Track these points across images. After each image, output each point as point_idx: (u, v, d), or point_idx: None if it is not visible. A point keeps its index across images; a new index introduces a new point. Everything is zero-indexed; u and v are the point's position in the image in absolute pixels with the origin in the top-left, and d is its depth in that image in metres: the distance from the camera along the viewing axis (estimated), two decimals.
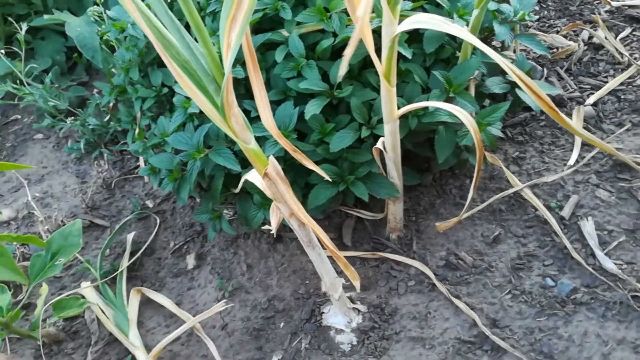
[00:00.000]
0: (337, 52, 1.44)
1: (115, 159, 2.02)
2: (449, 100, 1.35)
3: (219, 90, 0.93)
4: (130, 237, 1.70)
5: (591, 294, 1.29)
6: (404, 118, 1.35)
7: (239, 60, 1.43)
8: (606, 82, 1.75)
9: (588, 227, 1.40)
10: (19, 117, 2.39)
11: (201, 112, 1.45)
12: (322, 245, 1.23)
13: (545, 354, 1.22)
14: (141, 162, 1.95)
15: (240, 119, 0.98)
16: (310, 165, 1.13)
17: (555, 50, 1.89)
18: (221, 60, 0.92)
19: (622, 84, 1.73)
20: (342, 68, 0.79)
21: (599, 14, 2.00)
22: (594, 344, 1.21)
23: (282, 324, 1.41)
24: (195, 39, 0.92)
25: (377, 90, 1.39)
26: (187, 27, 0.93)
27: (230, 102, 0.95)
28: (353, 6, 1.06)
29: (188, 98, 1.44)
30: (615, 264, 1.32)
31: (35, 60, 2.39)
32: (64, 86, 2.33)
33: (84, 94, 2.29)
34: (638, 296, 1.26)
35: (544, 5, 2.11)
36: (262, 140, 1.35)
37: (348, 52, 0.76)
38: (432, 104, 1.22)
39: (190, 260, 1.63)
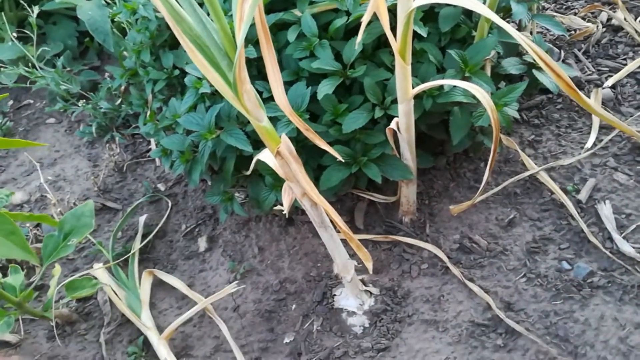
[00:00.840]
0: (350, 32, 1.41)
1: (127, 142, 2.02)
2: (464, 80, 1.32)
3: (232, 66, 0.91)
4: (142, 219, 1.70)
5: (608, 278, 1.27)
6: (418, 99, 1.33)
7: (251, 41, 1.41)
8: (625, 65, 1.71)
9: (605, 210, 1.37)
10: (31, 101, 2.40)
11: (213, 94, 1.44)
12: (335, 227, 1.22)
13: (561, 338, 1.20)
14: (152, 145, 1.94)
15: (252, 96, 0.97)
16: (323, 145, 1.12)
17: (572, 32, 1.86)
18: (234, 36, 0.91)
19: None
20: (359, 35, 0.77)
21: None
22: (610, 328, 1.19)
23: (293, 306, 1.41)
24: (208, 15, 0.91)
25: (390, 70, 1.36)
26: (200, 5, 0.92)
27: (243, 78, 0.94)
28: None
29: (199, 79, 1.43)
30: (634, 247, 1.29)
31: (47, 44, 2.39)
32: (75, 70, 2.33)
33: (96, 78, 2.29)
34: None
35: None
36: (274, 121, 1.34)
37: (365, 19, 0.74)
38: (448, 81, 1.19)
39: (202, 243, 1.62)
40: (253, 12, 0.85)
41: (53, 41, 2.43)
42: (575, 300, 1.25)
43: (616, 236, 1.32)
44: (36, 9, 2.06)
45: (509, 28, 1.01)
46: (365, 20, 0.84)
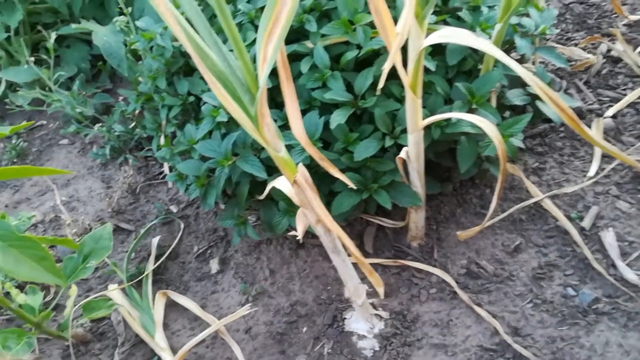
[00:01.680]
0: (361, 64, 1.47)
1: (139, 164, 2.07)
2: (471, 111, 1.38)
3: (254, 101, 0.97)
4: (155, 241, 1.74)
5: (613, 304, 1.30)
6: (426, 129, 1.38)
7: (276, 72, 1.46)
8: (625, 95, 1.77)
9: (609, 237, 1.42)
10: (45, 122, 2.46)
11: (228, 121, 1.49)
12: (347, 252, 1.26)
13: None
14: (165, 169, 1.99)
15: (272, 128, 1.02)
16: (336, 173, 1.16)
17: (574, 63, 1.92)
18: (255, 71, 0.96)
19: None
20: (381, 82, 0.83)
21: (617, 27, 2.02)
22: (615, 354, 1.23)
23: (304, 329, 1.44)
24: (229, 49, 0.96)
25: (400, 101, 1.42)
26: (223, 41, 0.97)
27: (264, 113, 0.99)
28: (381, 18, 1.09)
29: (216, 107, 1.48)
30: (637, 274, 1.33)
31: (61, 67, 2.45)
32: (89, 93, 2.39)
33: (109, 101, 2.35)
34: None
35: (562, 19, 2.13)
36: (288, 148, 1.39)
37: (386, 67, 0.80)
38: (455, 115, 1.25)
39: (214, 265, 1.66)
40: (276, 53, 0.91)
41: (67, 64, 2.50)
42: (581, 326, 1.28)
43: (619, 263, 1.36)
44: (53, 34, 2.13)
45: (513, 64, 1.06)
46: (386, 68, 0.90)
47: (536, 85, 1.07)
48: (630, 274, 1.33)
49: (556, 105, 1.09)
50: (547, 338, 1.28)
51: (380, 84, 0.86)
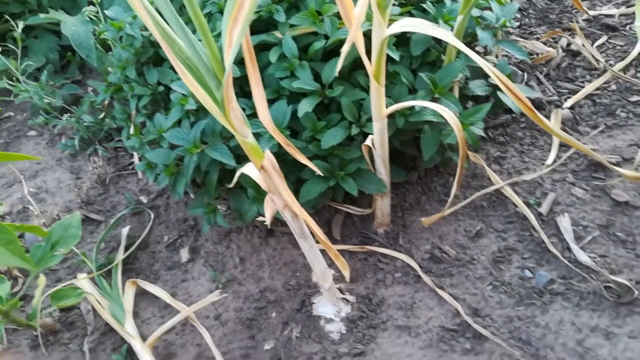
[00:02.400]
0: (328, 54, 1.50)
1: (109, 155, 2.06)
2: (434, 101, 1.42)
3: (220, 86, 0.99)
4: (125, 231, 1.74)
5: (567, 285, 1.37)
6: (391, 117, 1.42)
7: (235, 61, 1.48)
8: (583, 87, 1.84)
9: (564, 222, 1.48)
10: (12, 114, 2.42)
11: (197, 110, 1.50)
12: (314, 237, 1.29)
13: (524, 341, 1.29)
14: (135, 159, 1.99)
15: (239, 113, 1.04)
16: (303, 159, 1.19)
17: (535, 56, 1.98)
18: (222, 58, 0.98)
19: (597, 88, 1.83)
20: (339, 62, 0.86)
21: (577, 22, 2.10)
22: (569, 332, 1.29)
23: (273, 314, 1.47)
24: (198, 38, 0.98)
25: (366, 90, 1.45)
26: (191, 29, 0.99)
27: (230, 97, 1.01)
28: (346, 9, 1.12)
29: (185, 95, 1.49)
30: (590, 257, 1.40)
31: (29, 58, 2.42)
32: (57, 84, 2.37)
33: (78, 92, 2.33)
34: (610, 287, 1.34)
35: (525, 14, 2.20)
36: (256, 136, 1.41)
37: (345, 49, 0.83)
38: (418, 103, 1.29)
39: (184, 254, 1.67)
40: (241, 39, 0.93)
41: (35, 55, 2.47)
42: (537, 306, 1.34)
43: (574, 246, 1.42)
44: (21, 24, 2.10)
45: (473, 55, 1.11)
46: (345, 50, 0.93)
47: (495, 75, 1.12)
48: (583, 257, 1.40)
49: (514, 95, 1.14)
50: (505, 318, 1.34)
51: (338, 67, 0.89)
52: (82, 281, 1.56)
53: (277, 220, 1.62)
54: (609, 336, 1.27)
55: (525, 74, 1.93)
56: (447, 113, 1.21)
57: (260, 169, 1.12)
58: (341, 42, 1.48)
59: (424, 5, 1.50)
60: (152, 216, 1.80)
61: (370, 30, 1.17)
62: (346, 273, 1.30)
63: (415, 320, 1.38)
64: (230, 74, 0.97)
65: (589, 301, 1.33)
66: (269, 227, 1.46)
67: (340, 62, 0.86)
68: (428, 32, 1.10)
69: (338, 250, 1.54)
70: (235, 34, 0.93)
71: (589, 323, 1.29)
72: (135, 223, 1.81)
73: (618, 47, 1.98)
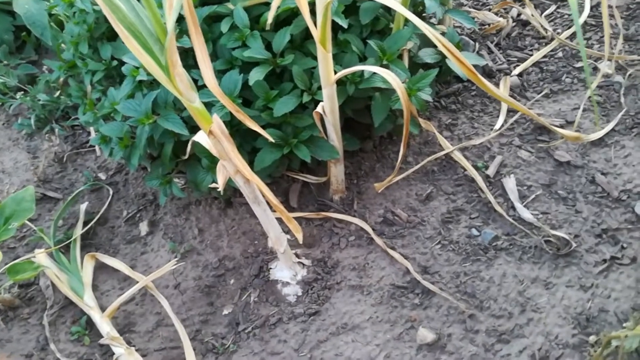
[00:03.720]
0: (280, 24, 1.52)
1: (66, 134, 2.04)
2: (383, 67, 1.46)
3: (163, 50, 1.00)
4: (83, 207, 1.74)
5: (510, 241, 1.44)
6: (342, 85, 1.45)
7: (186, 32, 1.49)
8: (531, 55, 1.91)
9: (510, 183, 1.55)
10: None
11: (150, 83, 1.51)
12: (268, 203, 1.32)
13: (469, 294, 1.36)
14: (92, 135, 1.98)
15: (184, 78, 1.06)
16: (253, 126, 1.22)
17: (487, 26, 2.04)
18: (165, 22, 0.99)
19: (545, 56, 1.89)
20: (270, 14, 0.89)
21: None
22: (511, 284, 1.36)
23: (232, 281, 1.50)
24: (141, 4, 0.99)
25: (317, 59, 1.48)
26: None
27: (174, 61, 1.02)
28: None
29: (137, 67, 1.49)
30: (532, 214, 1.47)
31: None
32: (13, 64, 2.32)
33: (34, 72, 2.29)
34: (550, 241, 1.41)
35: None
36: (209, 106, 1.42)
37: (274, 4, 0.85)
38: (365, 68, 1.32)
39: (143, 227, 1.69)
40: (181, 1, 0.95)
41: None
42: (482, 262, 1.41)
43: (518, 205, 1.49)
44: None
45: (418, 21, 1.14)
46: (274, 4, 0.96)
47: (439, 42, 1.15)
48: (526, 214, 1.47)
49: (459, 61, 1.17)
50: (452, 274, 1.40)
51: (269, 19, 0.92)
52: (40, 256, 1.57)
53: (236, 191, 1.64)
54: (548, 286, 1.34)
55: (477, 44, 1.99)
56: (392, 77, 1.25)
57: (209, 134, 1.14)
58: (292, 12, 1.50)
59: None
60: (111, 192, 1.80)
61: None
62: (299, 236, 1.33)
63: (368, 279, 1.43)
64: (173, 37, 0.99)
65: (530, 255, 1.40)
66: (221, 193, 1.48)
67: (271, 14, 0.88)
68: None
69: (295, 218, 1.58)
70: None
71: (530, 275, 1.37)
72: (94, 200, 1.81)
73: (566, 16, 2.04)
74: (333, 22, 1.38)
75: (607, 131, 1.61)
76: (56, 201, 1.84)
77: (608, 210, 1.46)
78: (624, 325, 1.16)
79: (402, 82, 1.46)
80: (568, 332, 1.27)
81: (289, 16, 1.50)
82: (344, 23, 1.42)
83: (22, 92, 2.08)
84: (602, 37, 1.90)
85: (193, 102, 1.10)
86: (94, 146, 1.97)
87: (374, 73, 1.42)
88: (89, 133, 2.02)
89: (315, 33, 1.23)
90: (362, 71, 1.41)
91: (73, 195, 1.78)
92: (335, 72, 1.33)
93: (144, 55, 1.01)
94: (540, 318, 1.30)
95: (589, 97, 1.70)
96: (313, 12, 1.21)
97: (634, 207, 1.45)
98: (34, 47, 2.50)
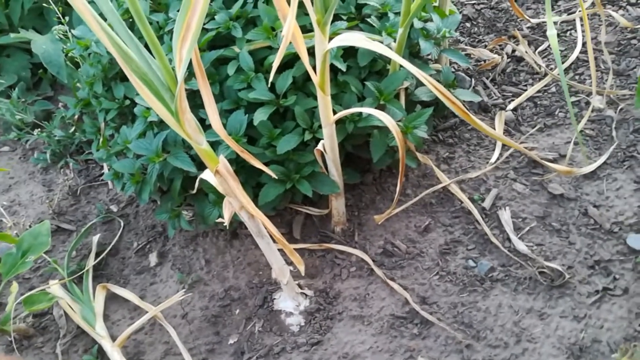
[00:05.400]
0: (283, 66, 1.61)
1: (80, 167, 2.14)
2: (380, 107, 1.54)
3: (173, 98, 1.08)
4: (95, 239, 1.82)
5: (506, 272, 1.49)
6: (342, 123, 1.53)
7: (194, 74, 1.58)
8: (525, 90, 1.98)
9: (505, 215, 1.60)
10: None
11: (161, 122, 1.60)
12: (271, 236, 1.39)
13: (466, 324, 1.40)
14: (105, 170, 2.07)
15: (192, 123, 1.14)
16: (257, 164, 1.29)
17: (482, 62, 2.12)
18: (175, 72, 1.08)
19: (539, 91, 1.97)
20: (276, 61, 0.99)
21: (521, 30, 2.25)
22: (507, 314, 1.41)
23: (237, 311, 1.56)
24: (153, 55, 1.08)
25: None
26: (147, 45, 1.09)
27: (184, 108, 1.11)
28: (289, 27, 1.24)
29: (148, 108, 1.58)
30: (527, 245, 1.52)
31: (1, 76, 2.49)
32: (29, 101, 2.43)
33: (50, 108, 2.40)
34: (544, 272, 1.46)
35: (475, 23, 2.34)
36: (216, 145, 1.51)
37: (277, 57, 0.95)
38: (363, 109, 1.40)
39: (153, 258, 1.76)
40: (190, 54, 1.03)
41: (7, 73, 2.53)
42: (478, 292, 1.46)
43: (513, 237, 1.55)
44: None
45: (410, 66, 1.22)
46: (277, 58, 1.06)
47: (431, 85, 1.22)
48: (521, 246, 1.52)
49: (448, 100, 1.25)
50: (450, 304, 1.45)
51: (273, 72, 1.02)
52: (54, 287, 1.63)
53: (241, 223, 1.71)
54: (542, 316, 1.39)
55: (473, 79, 2.07)
56: (387, 118, 1.32)
57: (216, 173, 1.22)
58: (295, 56, 1.60)
59: (368, 20, 1.62)
60: (122, 224, 1.88)
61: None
62: (301, 267, 1.40)
63: (368, 310, 1.48)
64: (182, 87, 1.07)
65: (525, 286, 1.45)
66: (228, 228, 1.55)
67: (275, 64, 0.98)
68: (364, 46, 1.21)
69: (297, 249, 1.65)
70: (185, 51, 1.04)
71: (525, 305, 1.41)
72: (106, 231, 1.89)
73: (559, 52, 2.12)
74: (332, 63, 1.48)
75: (600, 164, 1.67)
76: (70, 233, 1.92)
77: (600, 242, 1.51)
78: (613, 356, 1.20)
79: (399, 121, 1.55)
80: None
81: (291, 59, 1.59)
82: (342, 66, 1.51)
83: (39, 128, 2.18)
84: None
85: (201, 145, 1.18)
86: (106, 180, 2.05)
87: None
88: (101, 167, 2.11)
89: (315, 78, 1.32)
90: (361, 111, 1.49)
91: (86, 228, 1.86)
92: (335, 112, 1.42)
93: (155, 101, 1.09)
94: (535, 348, 1.35)
95: (581, 131, 1.77)
96: (313, 55, 1.30)
97: (626, 239, 1.49)
98: (49, 83, 2.62)
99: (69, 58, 2.31)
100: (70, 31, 2.09)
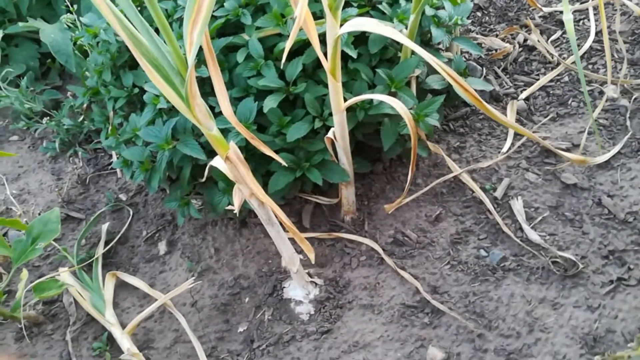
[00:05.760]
0: (293, 53, 1.59)
1: (89, 156, 2.13)
2: (391, 95, 1.52)
3: (184, 83, 1.07)
4: (104, 227, 1.82)
5: (518, 262, 1.47)
6: (352, 111, 1.51)
7: (204, 62, 1.57)
8: (537, 79, 1.95)
9: (517, 205, 1.59)
10: None
11: (170, 109, 1.59)
12: (281, 223, 1.38)
13: (478, 314, 1.39)
14: (114, 158, 2.07)
15: (203, 108, 1.13)
16: (267, 151, 1.28)
17: (494, 51, 2.09)
18: (185, 57, 1.07)
19: (551, 80, 1.94)
20: (287, 46, 0.98)
21: (533, 19, 2.21)
22: (519, 304, 1.39)
23: (247, 299, 1.56)
24: (163, 40, 1.07)
25: (328, 86, 1.55)
26: (157, 30, 1.07)
27: (194, 93, 1.10)
28: (300, 11, 1.22)
29: (157, 95, 1.57)
30: (540, 235, 1.50)
31: (9, 66, 2.48)
32: (38, 90, 2.43)
33: (58, 97, 2.40)
34: (557, 262, 1.44)
35: (486, 12, 2.31)
36: (226, 132, 1.50)
37: (290, 38, 0.94)
38: (373, 96, 1.38)
39: (162, 247, 1.75)
40: (201, 38, 1.02)
41: (16, 63, 2.53)
42: (490, 282, 1.44)
43: (525, 226, 1.53)
44: (0, 33, 2.17)
45: (422, 52, 1.20)
46: (288, 44, 1.04)
47: (444, 71, 1.20)
48: (534, 235, 1.50)
49: (462, 88, 1.23)
50: (461, 294, 1.43)
51: (284, 58, 1.01)
52: (64, 274, 1.63)
53: (250, 211, 1.71)
54: (555, 306, 1.37)
55: (484, 69, 2.04)
56: (399, 105, 1.30)
57: (226, 159, 1.21)
58: (304, 43, 1.58)
59: (380, 7, 1.60)
60: (131, 212, 1.88)
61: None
62: (311, 255, 1.39)
63: (379, 299, 1.47)
64: (193, 71, 1.06)
65: (537, 275, 1.43)
66: (238, 216, 1.54)
67: (286, 50, 0.96)
68: (377, 31, 1.20)
69: (307, 238, 1.63)
70: (195, 34, 1.02)
71: (538, 295, 1.40)
72: (115, 220, 1.89)
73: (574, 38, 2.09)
74: (343, 51, 1.46)
75: (613, 154, 1.64)
76: (79, 221, 1.92)
77: (614, 232, 1.49)
78: (629, 345, 1.18)
79: (410, 109, 1.53)
80: (575, 352, 1.30)
81: (301, 46, 1.58)
82: (353, 53, 1.49)
83: (47, 117, 2.18)
84: None
85: (211, 130, 1.16)
86: (115, 168, 2.05)
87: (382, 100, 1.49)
88: (110, 156, 2.11)
89: (326, 64, 1.30)
90: (372, 98, 1.47)
91: (95, 216, 1.85)
92: (345, 100, 1.40)
93: (165, 86, 1.08)
94: (548, 338, 1.33)
95: (595, 120, 1.74)
96: (324, 42, 1.28)
97: None
98: (58, 72, 2.62)
99: (78, 47, 2.31)
100: (78, 19, 2.09)
